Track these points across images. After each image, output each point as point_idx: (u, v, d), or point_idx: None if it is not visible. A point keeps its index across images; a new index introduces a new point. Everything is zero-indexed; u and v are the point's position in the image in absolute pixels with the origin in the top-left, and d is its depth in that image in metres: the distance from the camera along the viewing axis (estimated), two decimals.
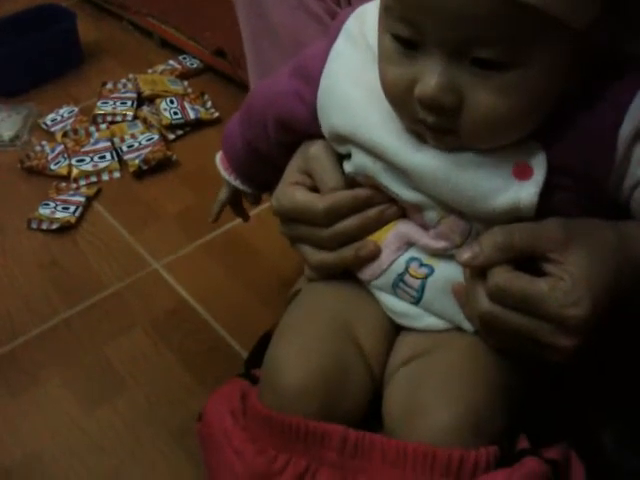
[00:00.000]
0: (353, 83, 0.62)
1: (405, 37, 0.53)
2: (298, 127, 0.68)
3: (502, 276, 0.55)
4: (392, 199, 0.63)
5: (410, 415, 0.59)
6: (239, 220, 1.31)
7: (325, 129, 0.65)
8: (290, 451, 0.60)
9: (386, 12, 0.55)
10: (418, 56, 0.53)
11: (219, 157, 0.82)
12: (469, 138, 0.55)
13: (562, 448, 0.62)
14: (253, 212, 1.32)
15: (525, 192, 0.56)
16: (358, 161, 0.63)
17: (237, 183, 0.82)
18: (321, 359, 0.63)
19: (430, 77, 0.52)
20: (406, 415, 0.59)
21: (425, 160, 0.58)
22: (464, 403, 0.58)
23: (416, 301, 0.64)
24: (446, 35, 0.50)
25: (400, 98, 0.56)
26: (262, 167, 0.78)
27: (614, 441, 0.69)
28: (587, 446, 0.65)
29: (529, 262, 0.57)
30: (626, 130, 0.54)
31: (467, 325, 0.63)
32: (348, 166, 0.65)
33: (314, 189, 0.68)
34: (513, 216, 0.57)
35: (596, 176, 0.56)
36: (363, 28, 0.63)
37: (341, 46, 0.64)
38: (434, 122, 0.54)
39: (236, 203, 0.88)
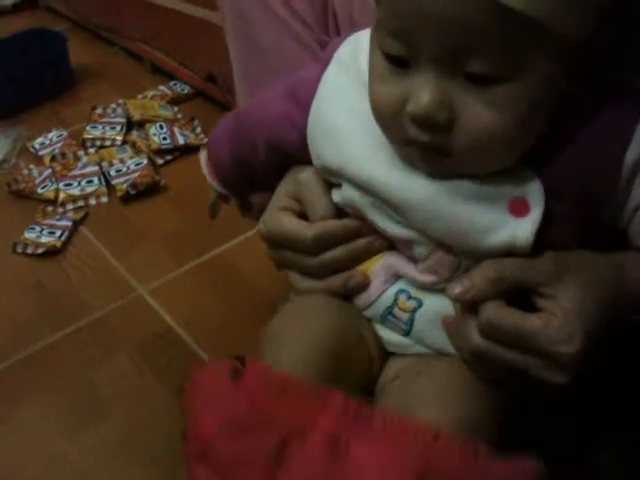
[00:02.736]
0: (342, 113, 0.61)
1: (396, 54, 0.52)
2: (289, 151, 0.68)
3: (493, 312, 0.54)
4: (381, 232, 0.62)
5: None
6: (227, 244, 1.33)
7: (315, 159, 0.64)
8: (286, 411, 0.56)
9: (377, 28, 0.53)
10: (410, 73, 0.52)
11: (204, 159, 0.80)
12: (463, 158, 0.53)
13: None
14: (241, 236, 1.33)
15: (521, 229, 0.55)
16: (346, 193, 0.62)
17: (220, 188, 0.80)
18: (330, 330, 0.61)
19: (423, 93, 0.50)
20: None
21: (416, 194, 0.56)
22: (459, 409, 0.57)
23: (406, 333, 0.63)
24: (438, 45, 0.49)
25: (390, 117, 0.54)
26: (248, 182, 0.77)
27: (612, 463, 0.69)
28: (585, 466, 0.64)
29: (521, 295, 0.56)
30: (631, 156, 0.54)
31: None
32: (336, 196, 0.64)
33: (303, 215, 0.67)
34: (508, 252, 0.56)
35: (597, 204, 0.55)
36: (355, 55, 0.62)
37: (332, 74, 0.64)
38: (427, 141, 0.52)
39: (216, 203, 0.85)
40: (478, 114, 0.50)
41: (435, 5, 0.47)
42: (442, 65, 0.50)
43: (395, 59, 0.52)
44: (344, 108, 0.61)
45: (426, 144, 0.53)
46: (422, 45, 0.50)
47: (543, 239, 0.55)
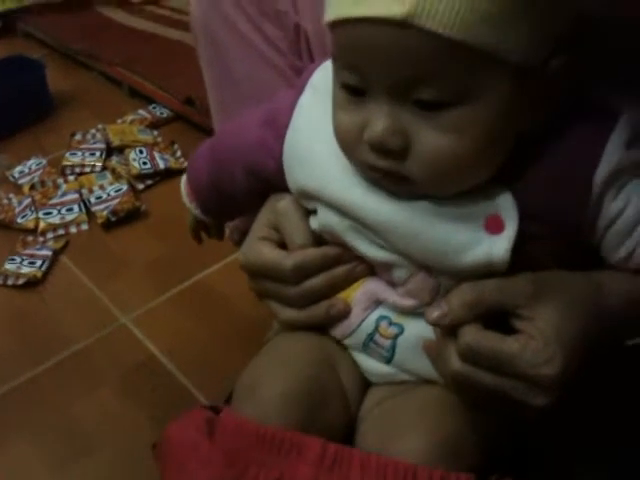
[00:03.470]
0: (317, 137, 0.61)
1: (352, 84, 0.53)
2: (267, 177, 0.67)
3: (472, 336, 0.54)
4: (360, 257, 0.62)
5: (385, 442, 0.57)
6: (208, 270, 1.32)
7: (291, 185, 0.64)
8: (262, 463, 0.57)
9: (334, 62, 0.55)
10: (366, 102, 0.53)
11: (183, 182, 0.79)
12: (422, 182, 0.54)
13: None
14: (223, 261, 1.32)
15: (497, 247, 0.55)
16: (324, 219, 0.62)
17: (197, 212, 0.79)
18: (303, 374, 0.61)
19: (377, 121, 0.52)
20: (380, 443, 0.58)
21: (394, 215, 0.57)
22: (438, 431, 0.57)
23: (387, 361, 0.63)
24: (385, 79, 0.50)
25: (351, 145, 0.55)
26: (226, 208, 0.77)
27: None
28: None
29: (500, 317, 0.56)
30: (601, 174, 0.54)
31: (442, 381, 0.61)
32: (314, 222, 0.64)
33: (283, 244, 0.67)
34: (485, 270, 0.56)
35: (569, 221, 0.56)
36: (329, 81, 0.62)
37: (307, 100, 0.64)
38: (385, 167, 0.53)
39: (197, 228, 0.84)
40: (432, 139, 0.51)
41: (379, 39, 0.48)
42: (394, 93, 0.51)
43: (351, 88, 0.54)
44: (319, 133, 0.61)
45: (385, 170, 0.54)
46: (371, 76, 0.51)
47: (520, 257, 0.55)
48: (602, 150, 0.54)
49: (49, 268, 1.34)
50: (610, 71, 0.57)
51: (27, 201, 1.49)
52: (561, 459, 0.69)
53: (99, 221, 1.43)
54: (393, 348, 0.62)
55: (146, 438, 0.98)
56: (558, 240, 0.57)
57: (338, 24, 0.51)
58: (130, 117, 1.78)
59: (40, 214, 1.45)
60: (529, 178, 0.55)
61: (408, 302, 0.60)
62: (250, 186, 0.70)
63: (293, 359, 0.64)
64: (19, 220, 1.45)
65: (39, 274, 1.31)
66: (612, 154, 0.54)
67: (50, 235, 1.42)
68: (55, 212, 1.45)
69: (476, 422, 0.59)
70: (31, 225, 1.44)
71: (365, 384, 0.66)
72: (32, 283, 1.30)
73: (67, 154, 1.63)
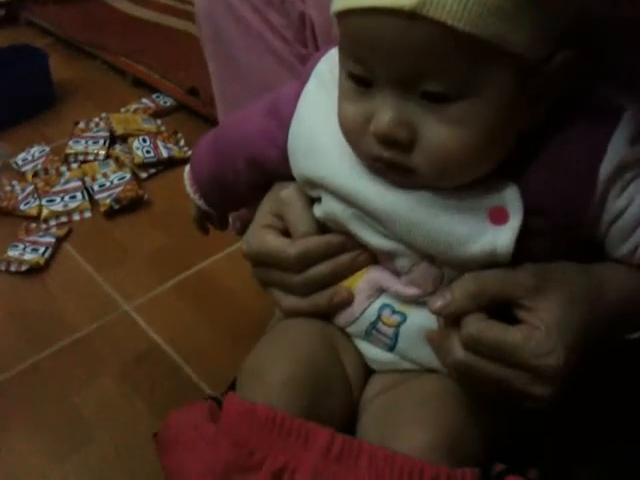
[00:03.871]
0: (322, 127, 0.61)
1: (358, 75, 0.53)
2: (270, 168, 0.68)
3: (475, 325, 0.54)
4: (364, 245, 0.62)
5: (385, 437, 0.57)
6: (210, 260, 1.33)
7: (295, 173, 0.64)
8: (269, 447, 0.57)
9: (340, 51, 0.55)
10: (372, 93, 0.53)
11: (187, 172, 0.78)
12: (426, 174, 0.54)
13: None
14: (224, 252, 1.32)
15: (501, 238, 0.55)
16: (328, 207, 0.62)
17: (201, 203, 0.78)
18: (306, 361, 0.61)
19: (384, 112, 0.52)
20: (381, 436, 0.58)
21: (398, 204, 0.57)
22: (439, 426, 0.57)
23: (390, 349, 0.63)
24: (391, 70, 0.50)
25: (356, 135, 0.56)
26: (228, 200, 0.77)
27: (595, 476, 0.69)
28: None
29: (503, 306, 0.56)
30: (606, 169, 0.54)
31: (444, 370, 0.61)
32: (318, 210, 0.64)
33: (286, 232, 0.67)
34: (489, 261, 0.56)
35: (574, 216, 0.56)
36: (335, 70, 0.62)
37: (311, 89, 0.64)
38: (390, 158, 0.53)
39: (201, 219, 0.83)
40: (437, 132, 0.51)
41: (386, 31, 0.48)
42: (400, 85, 0.51)
43: (358, 79, 0.54)
44: (323, 122, 0.61)
45: (390, 161, 0.54)
46: (378, 68, 0.51)
47: (523, 251, 0.55)
48: (606, 147, 0.54)
49: (52, 255, 1.34)
50: (610, 71, 0.57)
51: (30, 188, 1.49)
52: (560, 456, 0.70)
53: (102, 209, 1.43)
54: (396, 336, 0.62)
55: (147, 427, 0.99)
56: (560, 235, 0.57)
57: (345, 14, 0.51)
58: (134, 106, 1.78)
59: (43, 201, 1.45)
60: (533, 174, 0.55)
61: (411, 291, 0.60)
62: (252, 179, 0.70)
63: (296, 346, 0.64)
64: (22, 207, 1.45)
65: (42, 261, 1.31)
66: (616, 151, 0.54)
67: (53, 222, 1.43)
68: (58, 199, 1.45)
69: (477, 417, 0.59)
70: (34, 212, 1.44)
71: (367, 372, 0.66)
72: (35, 270, 1.30)
73: (70, 142, 1.63)
